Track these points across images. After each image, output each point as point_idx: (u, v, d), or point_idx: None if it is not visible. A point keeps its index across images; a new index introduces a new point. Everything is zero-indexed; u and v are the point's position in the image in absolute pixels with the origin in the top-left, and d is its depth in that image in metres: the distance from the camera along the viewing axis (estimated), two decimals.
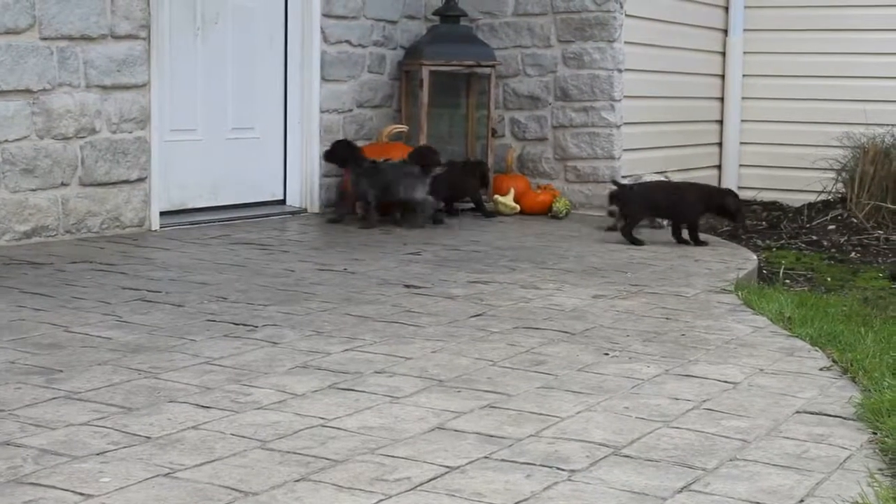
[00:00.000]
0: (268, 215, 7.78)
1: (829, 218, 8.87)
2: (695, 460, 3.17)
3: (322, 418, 3.41)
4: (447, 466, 3.03)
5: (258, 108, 7.95)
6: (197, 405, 3.50)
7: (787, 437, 3.43)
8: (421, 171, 7.44)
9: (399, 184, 7.43)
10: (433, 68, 8.41)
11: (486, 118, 8.68)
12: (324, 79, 8.15)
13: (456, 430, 3.35)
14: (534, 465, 3.08)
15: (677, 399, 3.77)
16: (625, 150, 8.71)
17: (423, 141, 8.33)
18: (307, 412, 3.46)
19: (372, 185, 7.46)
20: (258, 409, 3.49)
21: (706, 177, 10.03)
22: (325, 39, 8.14)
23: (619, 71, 8.64)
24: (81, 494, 2.74)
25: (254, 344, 4.29)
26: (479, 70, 8.62)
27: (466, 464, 3.06)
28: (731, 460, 3.20)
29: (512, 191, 8.41)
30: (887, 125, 8.97)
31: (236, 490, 2.80)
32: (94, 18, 6.60)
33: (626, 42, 8.67)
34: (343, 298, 5.18)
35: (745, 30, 10.06)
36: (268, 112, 8.01)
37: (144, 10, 6.85)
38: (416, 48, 8.60)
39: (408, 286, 5.52)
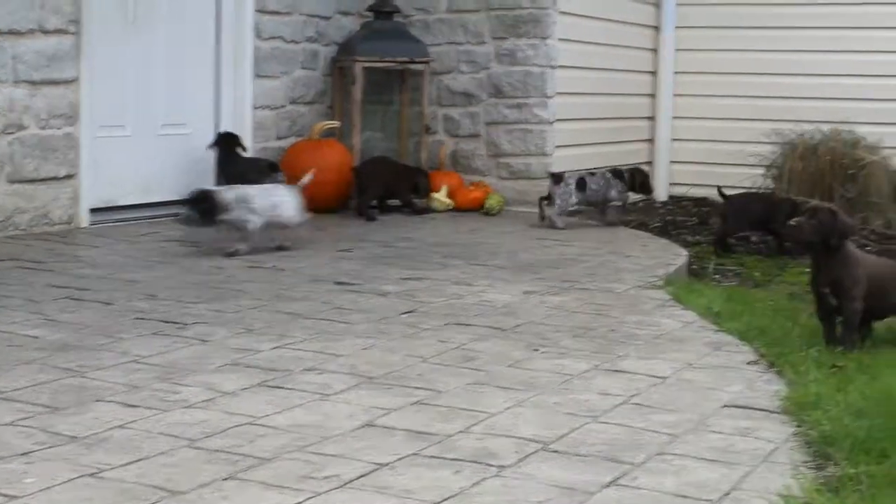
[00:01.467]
0: None
1: None
2: (623, 455, 3.20)
3: (251, 416, 3.39)
4: (376, 463, 3.04)
5: (190, 104, 7.88)
6: (124, 404, 3.47)
7: (715, 431, 3.46)
8: (268, 167, 7.45)
9: (247, 178, 7.43)
10: (367, 65, 8.40)
11: (420, 115, 8.68)
12: (257, 75, 8.12)
13: (386, 427, 3.35)
14: (463, 461, 3.09)
15: (606, 394, 3.79)
16: (557, 146, 8.75)
17: (355, 138, 8.32)
18: (236, 410, 3.45)
19: (226, 179, 7.50)
20: (186, 407, 3.47)
21: None
22: (258, 35, 8.10)
23: (553, 67, 8.67)
24: (5, 496, 2.70)
25: (183, 342, 4.26)
26: (412, 66, 8.62)
27: (396, 460, 3.07)
28: (658, 454, 3.22)
29: (445, 187, 8.42)
30: (815, 122, 9.07)
31: (163, 489, 2.78)
32: (22, 13, 6.52)
33: (559, 39, 8.71)
34: (273, 296, 5.16)
35: (676, 27, 10.14)
36: (199, 108, 7.95)
37: (74, 4, 6.78)
38: (349, 44, 8.58)
39: (339, 283, 5.51)
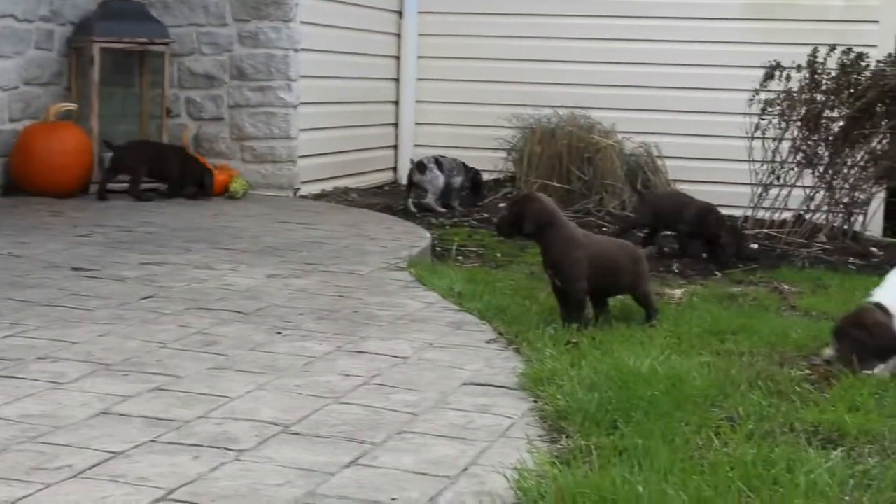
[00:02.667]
0: None
1: (499, 196, 9.16)
2: (363, 435, 3.22)
3: None
4: (111, 452, 2.96)
5: None
6: None
7: (454, 409, 3.52)
8: None
9: None
10: (104, 45, 8.17)
11: (161, 97, 8.50)
12: None
13: (122, 415, 3.27)
14: (201, 446, 3.05)
15: (348, 375, 3.81)
16: (302, 129, 8.71)
17: (93, 121, 8.09)
18: None
19: None
20: None
21: (383, 157, 10.18)
22: None
23: (296, 51, 8.63)
24: None
25: None
26: (152, 48, 8.43)
27: (132, 448, 3.00)
28: (398, 433, 3.26)
29: None
30: (553, 106, 9.32)
31: None
32: None
33: (302, 22, 8.67)
34: (6, 283, 4.97)
35: (419, 12, 10.24)
36: None
37: None
38: (86, 24, 8.32)
39: (76, 269, 5.35)
